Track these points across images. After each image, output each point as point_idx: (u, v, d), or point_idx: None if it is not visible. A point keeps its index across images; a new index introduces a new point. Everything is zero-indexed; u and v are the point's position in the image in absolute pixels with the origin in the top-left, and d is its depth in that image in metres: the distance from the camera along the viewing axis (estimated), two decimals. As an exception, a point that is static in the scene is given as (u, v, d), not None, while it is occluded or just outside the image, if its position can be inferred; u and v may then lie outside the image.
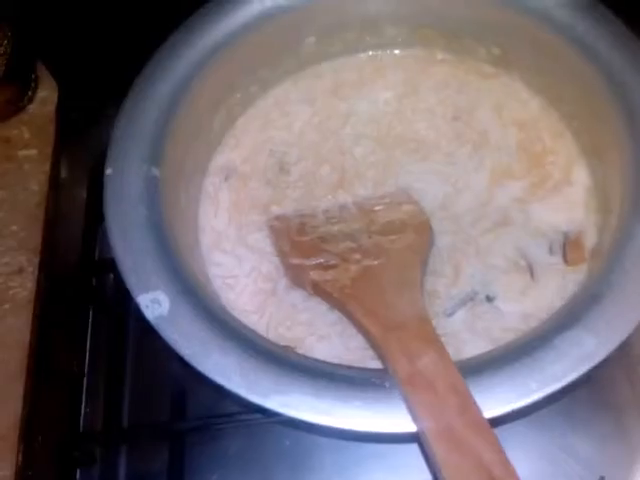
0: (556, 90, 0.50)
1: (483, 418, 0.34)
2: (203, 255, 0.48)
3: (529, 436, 0.45)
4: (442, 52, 0.54)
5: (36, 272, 0.51)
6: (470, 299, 0.45)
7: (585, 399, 0.46)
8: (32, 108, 0.58)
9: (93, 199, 0.55)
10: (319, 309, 0.45)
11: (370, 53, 0.55)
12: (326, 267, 0.44)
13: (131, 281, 0.40)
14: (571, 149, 0.49)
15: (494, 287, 0.45)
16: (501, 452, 0.33)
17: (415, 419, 0.35)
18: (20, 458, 0.45)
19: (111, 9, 0.51)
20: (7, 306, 0.49)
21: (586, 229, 0.46)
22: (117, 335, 0.51)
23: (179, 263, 0.41)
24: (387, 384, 0.36)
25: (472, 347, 0.42)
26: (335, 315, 0.45)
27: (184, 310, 0.39)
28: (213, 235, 0.49)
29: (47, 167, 0.55)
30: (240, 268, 0.47)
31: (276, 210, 0.49)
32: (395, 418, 0.35)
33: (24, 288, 0.50)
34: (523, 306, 0.44)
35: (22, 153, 0.56)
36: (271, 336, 0.44)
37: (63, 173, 0.56)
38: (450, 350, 0.37)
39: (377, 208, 0.47)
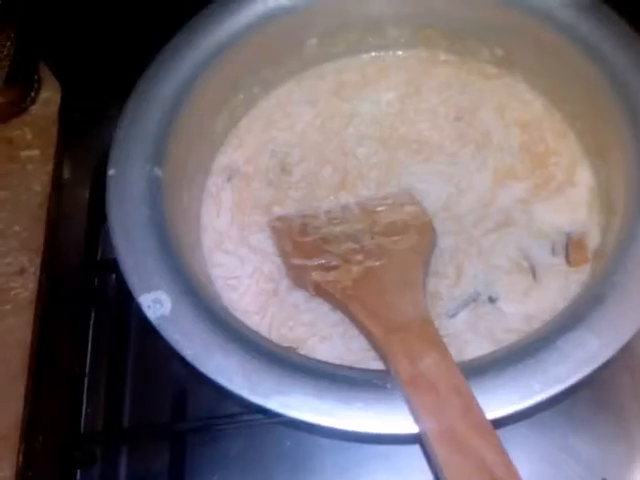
0: (559, 90, 0.50)
1: (486, 420, 0.34)
2: (205, 255, 0.48)
3: (530, 437, 0.45)
4: (445, 53, 0.54)
5: (38, 272, 0.51)
6: (472, 300, 0.45)
7: (587, 400, 0.45)
8: (35, 109, 0.59)
9: (95, 199, 0.55)
10: (321, 310, 0.45)
11: (373, 54, 0.55)
12: (328, 268, 0.44)
13: (133, 281, 0.40)
14: (574, 150, 0.49)
15: (497, 288, 0.45)
16: (504, 453, 0.33)
17: (417, 420, 0.35)
18: (21, 458, 0.45)
19: (114, 10, 0.52)
20: (9, 306, 0.50)
21: (589, 230, 0.46)
22: (118, 335, 0.51)
23: (181, 263, 0.41)
24: (389, 385, 0.36)
25: (474, 348, 0.42)
26: (337, 316, 0.44)
27: (186, 310, 0.39)
28: (215, 235, 0.49)
29: (50, 168, 0.56)
30: (242, 269, 0.47)
31: (278, 211, 0.49)
32: (397, 419, 0.35)
33: (26, 289, 0.50)
34: (526, 307, 0.44)
35: (25, 154, 0.56)
36: (273, 337, 0.44)
37: (66, 174, 0.56)
38: (452, 351, 0.37)
39: (379, 209, 0.47)
